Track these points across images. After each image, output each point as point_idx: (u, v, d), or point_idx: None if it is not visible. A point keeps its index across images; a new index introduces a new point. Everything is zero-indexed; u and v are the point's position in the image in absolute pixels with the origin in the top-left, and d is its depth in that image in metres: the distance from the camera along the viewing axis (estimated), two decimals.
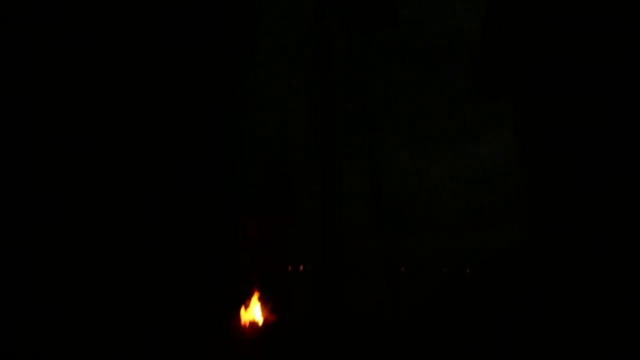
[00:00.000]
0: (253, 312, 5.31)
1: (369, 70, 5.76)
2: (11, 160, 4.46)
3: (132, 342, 4.54)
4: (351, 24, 5.70)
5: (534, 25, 4.54)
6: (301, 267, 5.80)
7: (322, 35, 5.65)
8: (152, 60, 4.73)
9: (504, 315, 5.01)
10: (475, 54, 4.90)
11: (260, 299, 5.37)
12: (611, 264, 4.31)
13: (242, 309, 5.23)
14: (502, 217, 5.50)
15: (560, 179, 4.47)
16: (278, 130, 5.71)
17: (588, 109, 4.31)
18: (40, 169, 4.49)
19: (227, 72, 5.05)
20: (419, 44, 5.91)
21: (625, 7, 4.20)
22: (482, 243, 5.57)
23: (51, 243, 4.47)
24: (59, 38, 4.53)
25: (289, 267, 5.74)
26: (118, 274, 4.55)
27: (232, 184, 5.09)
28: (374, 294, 5.62)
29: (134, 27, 4.68)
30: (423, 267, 5.82)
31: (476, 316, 5.18)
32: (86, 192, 4.56)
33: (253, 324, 5.28)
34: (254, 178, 5.61)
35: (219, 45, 4.98)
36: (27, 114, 4.48)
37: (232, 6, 5.03)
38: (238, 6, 5.06)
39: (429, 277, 5.77)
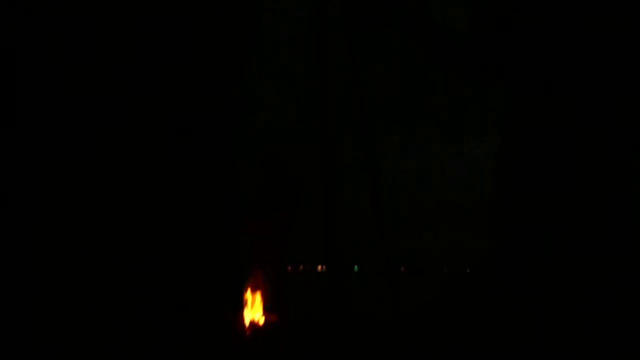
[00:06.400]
0: (253, 312, 5.31)
1: (369, 70, 5.76)
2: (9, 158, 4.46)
3: (131, 342, 4.53)
4: (351, 24, 5.71)
5: (523, 26, 4.53)
6: (301, 267, 5.81)
7: (321, 34, 5.64)
8: (151, 58, 4.72)
9: (504, 315, 5.01)
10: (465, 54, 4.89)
11: (260, 298, 5.36)
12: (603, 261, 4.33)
13: (242, 309, 5.23)
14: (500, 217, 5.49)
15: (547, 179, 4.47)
16: (278, 129, 5.72)
17: (575, 112, 4.32)
18: (41, 168, 4.49)
19: (226, 71, 5.05)
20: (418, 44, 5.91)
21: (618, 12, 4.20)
22: (481, 243, 5.57)
23: (51, 245, 4.47)
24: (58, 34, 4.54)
25: (289, 267, 5.75)
26: (116, 274, 4.54)
27: (232, 182, 5.08)
28: (374, 294, 5.62)
29: (135, 26, 4.68)
30: (423, 267, 5.82)
31: (476, 316, 5.18)
32: (85, 190, 4.55)
33: (253, 324, 5.27)
34: (254, 177, 5.61)
35: (217, 44, 4.98)
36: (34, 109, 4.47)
37: (232, 5, 5.03)
38: (238, 5, 5.06)
39: (429, 277, 5.77)
